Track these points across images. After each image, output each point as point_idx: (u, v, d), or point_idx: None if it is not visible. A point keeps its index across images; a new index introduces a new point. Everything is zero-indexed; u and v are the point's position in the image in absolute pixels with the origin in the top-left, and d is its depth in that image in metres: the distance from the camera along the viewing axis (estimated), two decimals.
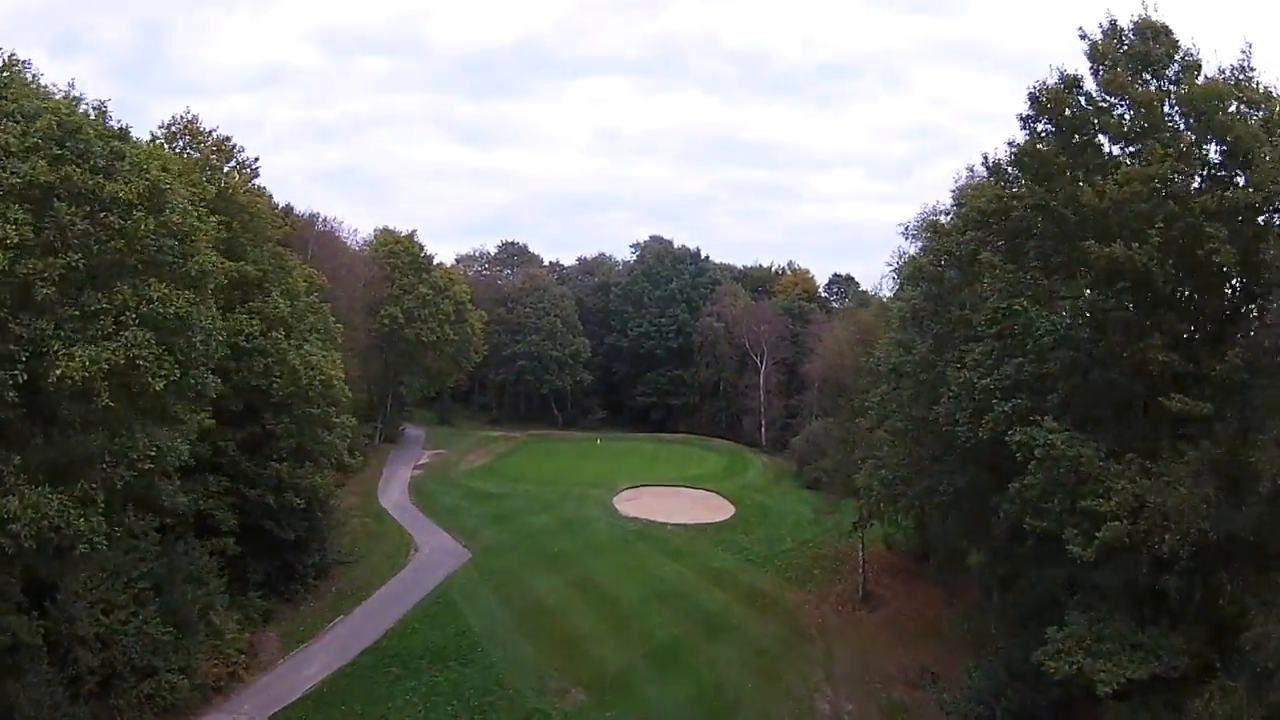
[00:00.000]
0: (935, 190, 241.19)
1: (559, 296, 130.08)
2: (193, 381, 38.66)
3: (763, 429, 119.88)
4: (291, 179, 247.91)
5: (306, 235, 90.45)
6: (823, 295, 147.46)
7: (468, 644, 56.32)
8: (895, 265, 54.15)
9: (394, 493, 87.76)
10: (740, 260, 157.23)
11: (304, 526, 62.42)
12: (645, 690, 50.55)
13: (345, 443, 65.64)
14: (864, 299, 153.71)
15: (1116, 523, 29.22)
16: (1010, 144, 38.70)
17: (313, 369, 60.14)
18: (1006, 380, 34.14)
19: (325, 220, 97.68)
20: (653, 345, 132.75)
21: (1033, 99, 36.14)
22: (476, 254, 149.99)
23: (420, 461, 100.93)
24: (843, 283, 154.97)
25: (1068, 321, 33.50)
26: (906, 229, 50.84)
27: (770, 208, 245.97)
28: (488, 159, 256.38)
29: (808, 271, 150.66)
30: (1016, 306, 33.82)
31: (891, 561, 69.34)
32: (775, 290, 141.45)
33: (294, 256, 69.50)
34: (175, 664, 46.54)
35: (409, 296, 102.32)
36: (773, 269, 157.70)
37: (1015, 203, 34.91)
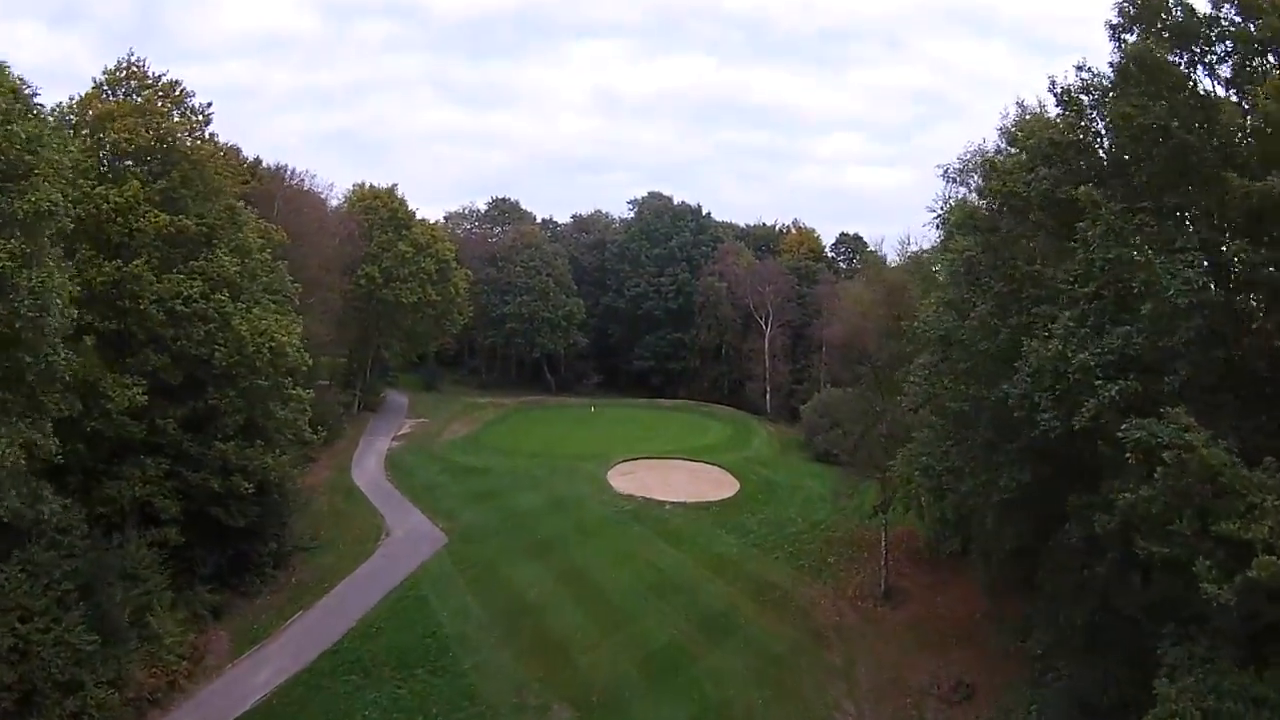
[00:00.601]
0: (936, 154, 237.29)
1: (551, 255, 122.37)
2: (26, 360, 30.82)
3: (767, 395, 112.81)
4: (290, 143, 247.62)
5: (273, 190, 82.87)
6: (830, 255, 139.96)
7: (438, 648, 49.79)
8: (939, 212, 46.58)
9: (369, 467, 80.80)
10: (743, 219, 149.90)
11: (256, 512, 56.27)
12: (639, 708, 44.08)
13: (305, 417, 58.40)
14: (873, 258, 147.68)
15: (1272, 557, 21.86)
16: (1081, 68, 31.36)
17: (261, 335, 53.07)
18: (1110, 355, 26.74)
19: (295, 174, 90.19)
20: (651, 306, 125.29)
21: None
22: (466, 211, 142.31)
23: (400, 431, 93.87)
24: (850, 242, 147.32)
25: (1203, 278, 25.82)
26: (947, 170, 43.59)
27: (771, 170, 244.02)
28: (487, 122, 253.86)
29: (814, 231, 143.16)
30: (1135, 256, 26.12)
31: (914, 548, 62.43)
32: (780, 250, 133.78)
33: (250, 211, 62.01)
34: (104, 676, 41.56)
35: (387, 255, 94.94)
36: (777, 228, 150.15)
37: (1120, 121, 27.10)
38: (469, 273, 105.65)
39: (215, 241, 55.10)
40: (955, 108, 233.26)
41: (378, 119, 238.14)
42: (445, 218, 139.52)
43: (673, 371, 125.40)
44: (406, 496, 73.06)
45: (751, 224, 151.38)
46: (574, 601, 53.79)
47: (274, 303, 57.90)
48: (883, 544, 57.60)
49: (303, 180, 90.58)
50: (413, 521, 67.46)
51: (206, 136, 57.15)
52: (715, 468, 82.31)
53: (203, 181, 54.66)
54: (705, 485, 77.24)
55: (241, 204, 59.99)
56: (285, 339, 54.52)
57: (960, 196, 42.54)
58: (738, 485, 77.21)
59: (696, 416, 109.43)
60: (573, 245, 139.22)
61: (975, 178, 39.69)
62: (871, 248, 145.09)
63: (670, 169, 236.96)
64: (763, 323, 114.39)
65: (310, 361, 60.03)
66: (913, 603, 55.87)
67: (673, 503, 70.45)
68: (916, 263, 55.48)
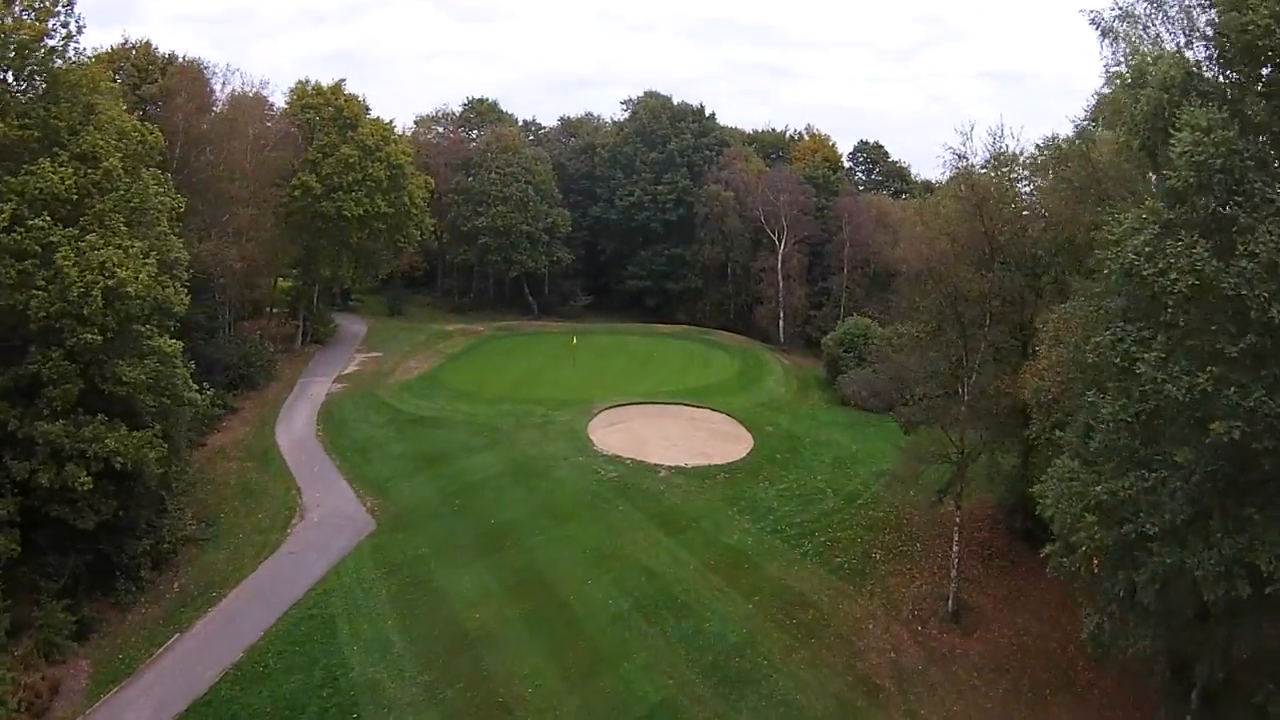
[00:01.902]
0: (937, 79, 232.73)
1: (531, 159, 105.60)
2: None
3: (781, 322, 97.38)
4: (284, 65, 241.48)
5: (176, 87, 66.99)
6: (847, 166, 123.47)
7: (337, 705, 35.74)
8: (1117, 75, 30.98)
9: (298, 420, 66.02)
10: (749, 125, 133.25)
11: (115, 506, 42.33)
12: None
13: (178, 373, 43.66)
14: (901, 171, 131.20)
15: None
16: None
17: (93, 271, 38.32)
18: None
19: (211, 68, 73.92)
20: (647, 218, 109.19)
21: None
22: (439, 114, 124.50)
23: (346, 370, 78.78)
24: (870, 151, 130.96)
25: None
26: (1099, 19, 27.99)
27: (773, 86, 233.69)
28: (483, 39, 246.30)
29: (828, 138, 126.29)
30: None
31: (982, 536, 47.91)
32: (792, 158, 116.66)
33: (118, 107, 46.93)
34: None
35: (328, 161, 78.81)
36: (787, 134, 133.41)
37: None
38: (429, 180, 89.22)
39: (58, 150, 41.29)
40: (955, 29, 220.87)
41: (374, 39, 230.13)
42: (416, 122, 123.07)
43: (671, 293, 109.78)
44: (335, 460, 58.48)
45: (759, 129, 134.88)
46: (531, 630, 39.44)
47: (129, 225, 42.91)
48: (954, 546, 42.72)
49: (213, 72, 74.43)
50: (335, 498, 53.06)
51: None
52: (722, 416, 67.46)
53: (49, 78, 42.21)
54: (711, 441, 62.59)
55: (118, 103, 46.06)
56: (129, 273, 39.50)
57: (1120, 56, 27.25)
58: (751, 441, 62.46)
59: (699, 345, 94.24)
60: (559, 151, 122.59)
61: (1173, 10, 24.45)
62: (896, 159, 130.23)
63: (671, 85, 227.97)
64: (775, 238, 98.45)
65: (185, 300, 45.15)
66: (990, 624, 41.46)
67: (670, 468, 55.86)
68: (1058, 153, 38.90)
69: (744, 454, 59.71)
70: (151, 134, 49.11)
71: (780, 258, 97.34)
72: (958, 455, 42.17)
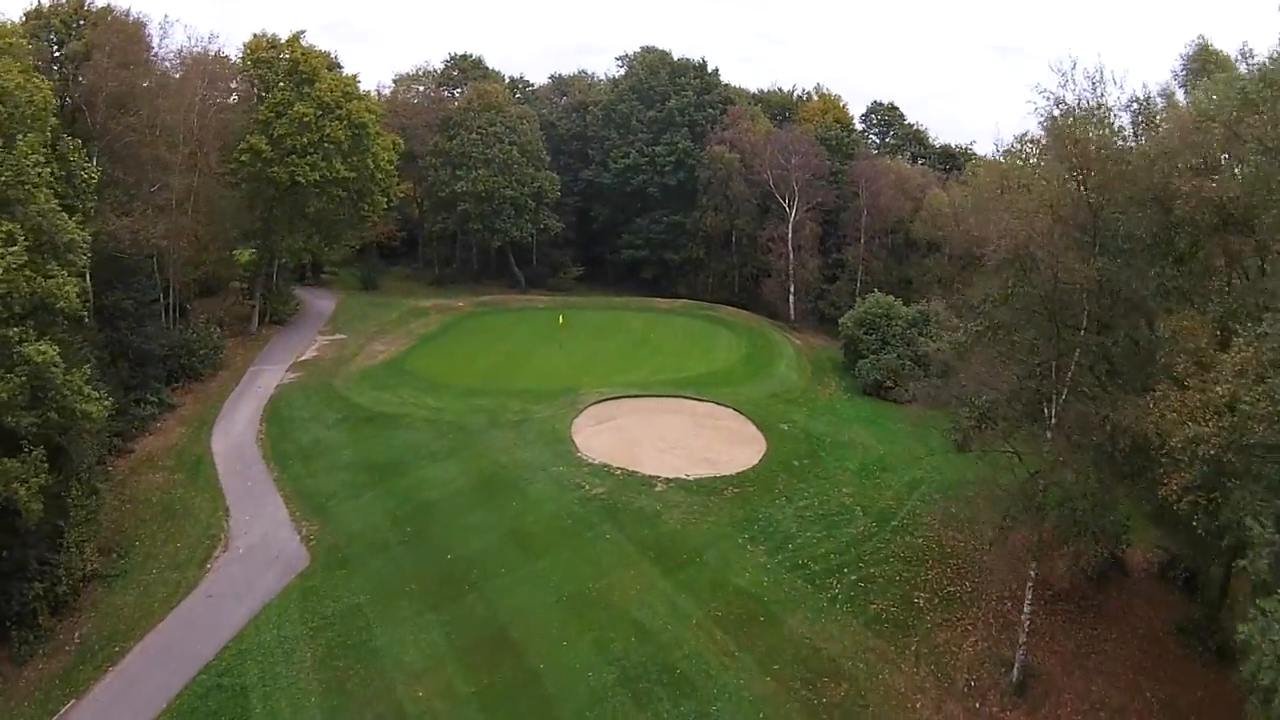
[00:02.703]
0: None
1: (517, 118, 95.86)
2: None
3: (791, 298, 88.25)
4: (281, 28, 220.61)
5: (99, 42, 57.85)
6: (859, 129, 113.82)
7: None
8: None
9: (240, 418, 57.31)
10: (754, 84, 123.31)
11: None
12: None
13: (70, 382, 35.24)
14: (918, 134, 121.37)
15: None
16: None
17: None
18: None
19: (144, 20, 64.36)
20: (644, 182, 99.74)
21: None
22: (419, 72, 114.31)
23: (304, 355, 69.84)
24: (885, 113, 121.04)
25: None
26: None
27: (773, 53, 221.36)
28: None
29: (839, 98, 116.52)
30: None
31: (1041, 571, 39.21)
32: (800, 119, 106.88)
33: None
34: None
35: (281, 121, 69.45)
36: (795, 94, 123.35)
37: None
38: (398, 140, 79.63)
39: None
40: None
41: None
42: (395, 80, 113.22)
43: (671, 264, 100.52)
44: (273, 471, 49.83)
45: (765, 89, 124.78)
46: (489, 715, 30.75)
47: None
48: (1025, 607, 34.00)
49: (165, 29, 65.38)
50: (267, 521, 44.39)
51: None
52: (729, 411, 58.67)
53: None
54: (716, 443, 53.88)
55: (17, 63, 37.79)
56: None
57: None
58: (763, 443, 53.75)
59: (701, 323, 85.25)
60: (550, 111, 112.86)
61: None
62: (911, 121, 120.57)
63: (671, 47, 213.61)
64: (785, 204, 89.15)
65: (71, 292, 36.71)
66: (1060, 695, 33.15)
67: (668, 480, 47.13)
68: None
69: (755, 460, 50.94)
70: (39, 92, 40.29)
71: (791, 226, 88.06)
72: (1039, 495, 33.23)
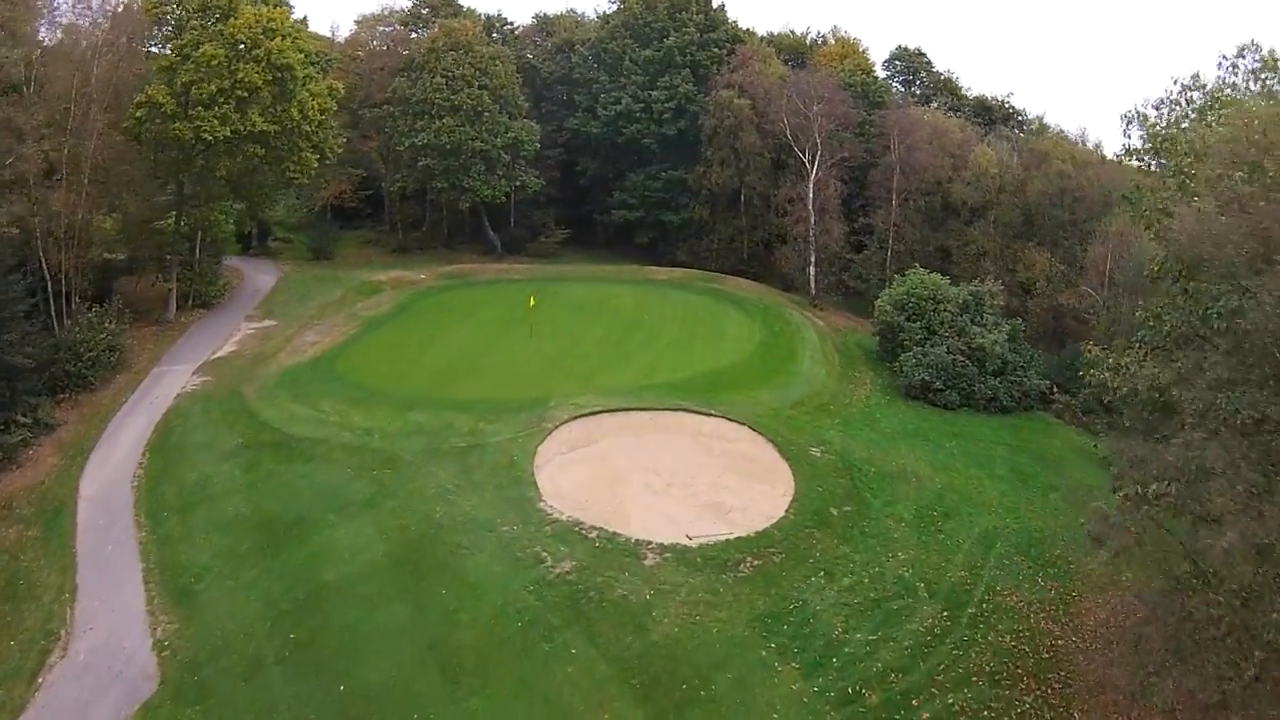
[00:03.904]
0: None
1: (489, 59, 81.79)
2: None
3: (812, 269, 74.70)
4: None
5: None
6: (881, 75, 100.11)
7: None
8: None
9: (123, 444, 44.49)
10: (762, 27, 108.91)
11: None
12: None
13: None
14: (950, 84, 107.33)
15: None
16: None
17: None
18: None
19: None
20: (638, 131, 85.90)
21: None
22: (385, 10, 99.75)
23: (219, 351, 56.81)
24: (911, 59, 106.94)
25: None
26: None
27: None
28: None
29: (858, 42, 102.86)
30: None
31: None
32: (815, 66, 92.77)
33: None
34: None
35: (186, 66, 55.74)
36: (808, 38, 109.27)
37: None
38: (336, 86, 65.50)
39: None
40: None
41: None
42: (356, 22, 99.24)
43: (670, 226, 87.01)
44: (142, 528, 36.96)
45: (775, 32, 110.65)
46: None
47: None
48: None
49: None
50: (119, 612, 31.67)
51: None
52: (745, 430, 45.64)
53: None
54: (728, 477, 41.22)
55: None
56: None
57: None
58: (789, 479, 40.92)
59: (706, 300, 71.93)
60: (533, 53, 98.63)
61: None
62: (940, 69, 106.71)
63: None
64: (805, 159, 75.35)
65: None
66: None
67: (663, 547, 34.21)
68: None
69: (780, 509, 37.99)
70: None
71: (812, 184, 74.26)
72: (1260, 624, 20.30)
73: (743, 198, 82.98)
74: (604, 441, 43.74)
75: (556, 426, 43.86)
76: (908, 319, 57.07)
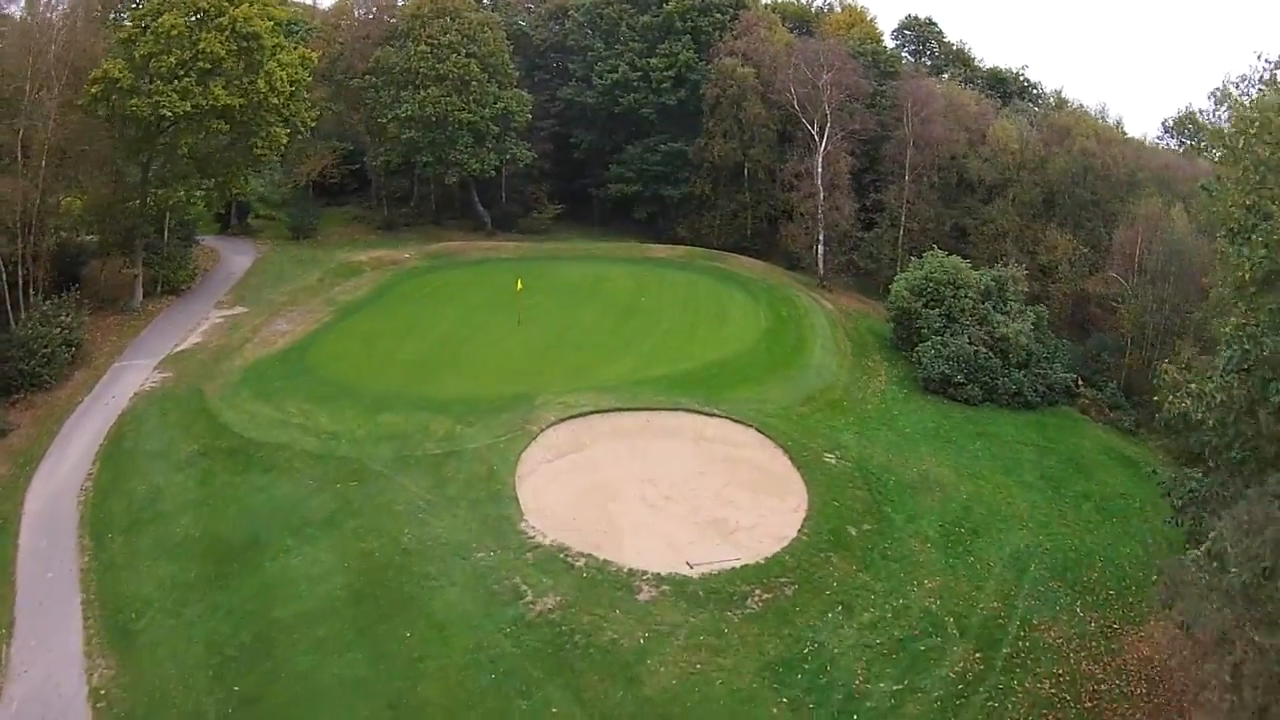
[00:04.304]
0: None
1: (477, 25, 76.95)
2: None
3: (821, 248, 70.33)
4: None
5: None
6: (890, 45, 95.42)
7: None
8: None
9: (75, 450, 40.68)
10: None
11: None
12: None
13: None
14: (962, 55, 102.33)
15: None
16: None
17: None
18: None
19: None
20: (636, 101, 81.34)
21: None
22: None
23: (183, 344, 52.47)
24: (921, 28, 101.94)
25: None
26: None
27: None
28: None
29: (865, 11, 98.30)
30: None
31: None
32: (822, 34, 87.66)
33: None
34: None
35: (146, 37, 51.28)
36: (814, 6, 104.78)
37: None
38: (310, 55, 60.61)
39: None
40: None
41: None
42: None
43: (669, 201, 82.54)
44: (85, 552, 33.16)
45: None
46: None
47: None
48: None
49: None
50: (55, 653, 27.99)
51: None
52: (751, 432, 41.50)
53: None
54: (733, 488, 37.33)
55: None
56: None
57: None
58: (801, 490, 37.02)
59: (709, 281, 67.66)
60: (525, 19, 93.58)
61: None
62: (951, 39, 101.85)
63: None
64: (813, 131, 70.78)
65: None
66: None
67: (660, 579, 30.27)
68: None
69: (792, 529, 34.03)
70: None
71: (821, 158, 69.70)
72: None
73: (746, 171, 78.46)
74: (595, 447, 39.71)
75: (542, 430, 39.78)
76: (925, 305, 52.94)
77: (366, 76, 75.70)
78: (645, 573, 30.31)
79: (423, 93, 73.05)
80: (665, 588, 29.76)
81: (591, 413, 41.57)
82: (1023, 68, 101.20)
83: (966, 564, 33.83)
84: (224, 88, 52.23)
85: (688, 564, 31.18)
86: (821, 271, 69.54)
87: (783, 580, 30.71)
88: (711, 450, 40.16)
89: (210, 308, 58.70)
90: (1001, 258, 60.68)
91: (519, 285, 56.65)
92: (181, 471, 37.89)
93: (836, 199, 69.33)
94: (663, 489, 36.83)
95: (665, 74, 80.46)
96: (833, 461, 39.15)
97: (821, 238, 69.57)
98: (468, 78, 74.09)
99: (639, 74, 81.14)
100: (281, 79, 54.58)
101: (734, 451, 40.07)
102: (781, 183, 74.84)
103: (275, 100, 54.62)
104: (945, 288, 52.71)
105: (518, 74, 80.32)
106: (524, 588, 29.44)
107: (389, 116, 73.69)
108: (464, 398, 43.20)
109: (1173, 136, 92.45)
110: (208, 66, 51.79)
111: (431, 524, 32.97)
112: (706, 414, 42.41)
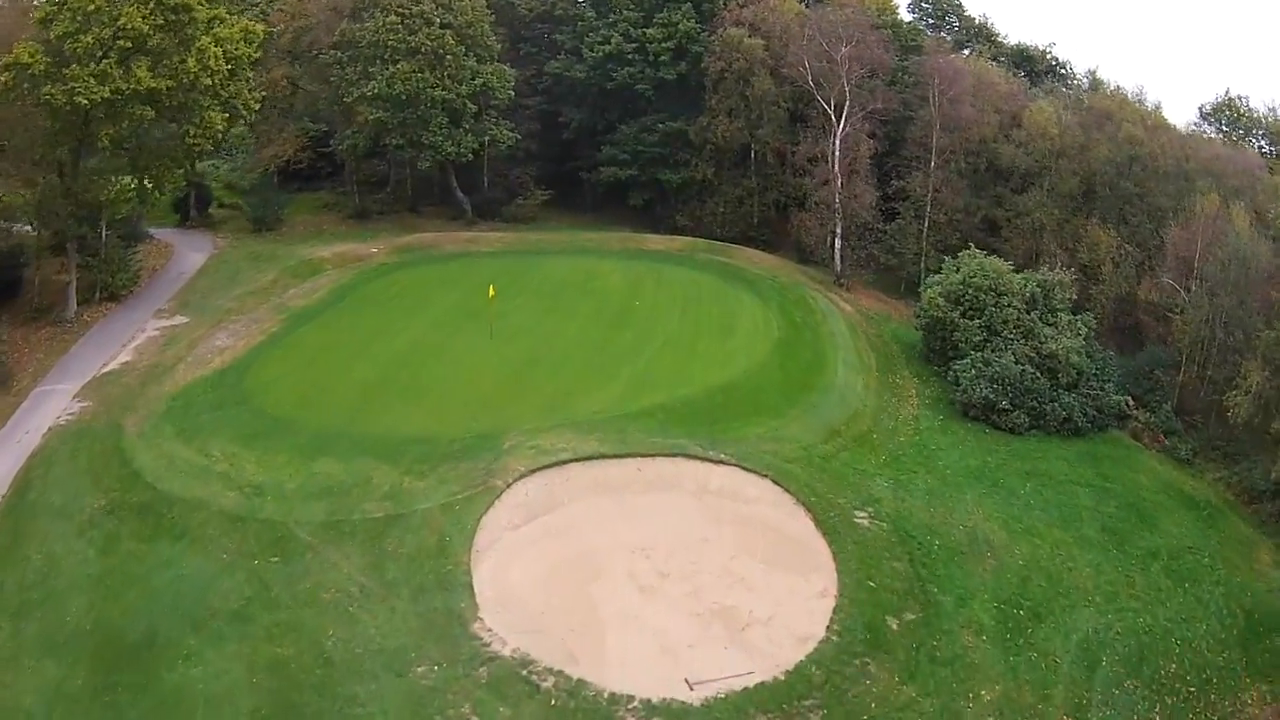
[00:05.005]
0: None
1: None
2: None
3: (838, 240, 63.11)
4: None
5: None
6: (906, 20, 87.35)
7: None
8: None
9: None
10: None
11: None
12: None
13: None
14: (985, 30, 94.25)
15: None
16: None
17: None
18: None
19: None
20: (631, 76, 73.89)
21: None
22: None
23: (110, 364, 45.34)
24: (940, 1, 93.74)
25: None
26: None
27: None
28: None
29: None
30: None
31: None
32: (839, 4, 80.00)
33: None
34: None
35: (63, 14, 44.01)
36: None
37: None
38: (252, 28, 53.29)
39: None
40: None
41: None
42: None
43: (668, 187, 75.23)
44: None
45: None
46: None
47: None
48: None
49: None
50: None
51: None
52: (762, 482, 34.50)
53: None
54: (743, 562, 30.65)
55: None
56: None
57: None
58: (828, 562, 30.22)
59: (712, 279, 60.43)
60: None
61: None
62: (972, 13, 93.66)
63: None
64: (829, 110, 63.42)
65: None
66: None
67: (643, 707, 23.49)
68: None
69: (819, 625, 27.21)
70: None
71: (838, 140, 62.34)
72: None
73: (754, 154, 71.15)
74: (573, 505, 32.82)
75: (508, 485, 32.82)
76: (964, 315, 45.96)
77: (332, 51, 68.28)
78: (631, 700, 23.52)
79: (392, 68, 65.60)
80: (658, 716, 23.00)
81: (570, 461, 34.57)
82: (1050, 45, 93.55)
83: (1029, 662, 27.23)
84: (149, 69, 44.93)
85: (687, 682, 24.42)
86: (839, 267, 62.44)
87: (808, 704, 23.96)
88: (718, 508, 33.23)
89: (149, 317, 51.70)
90: (1040, 256, 53.50)
91: (491, 292, 49.32)
92: (83, 535, 31.13)
93: (856, 186, 62.00)
94: (657, 562, 30.03)
95: (663, 45, 72.96)
96: (865, 523, 32.27)
97: (839, 230, 62.39)
98: (442, 51, 66.61)
99: (634, 45, 73.67)
100: (216, 56, 47.18)
101: (745, 509, 33.19)
102: (793, 167, 67.59)
103: (209, 81, 47.26)
104: (986, 295, 45.74)
105: (500, 47, 72.88)
106: None
107: (355, 95, 66.29)
108: (418, 436, 36.29)
109: (1210, 124, 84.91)
110: (129, 45, 44.48)
111: (363, 622, 26.19)
112: (711, 460, 35.39)
